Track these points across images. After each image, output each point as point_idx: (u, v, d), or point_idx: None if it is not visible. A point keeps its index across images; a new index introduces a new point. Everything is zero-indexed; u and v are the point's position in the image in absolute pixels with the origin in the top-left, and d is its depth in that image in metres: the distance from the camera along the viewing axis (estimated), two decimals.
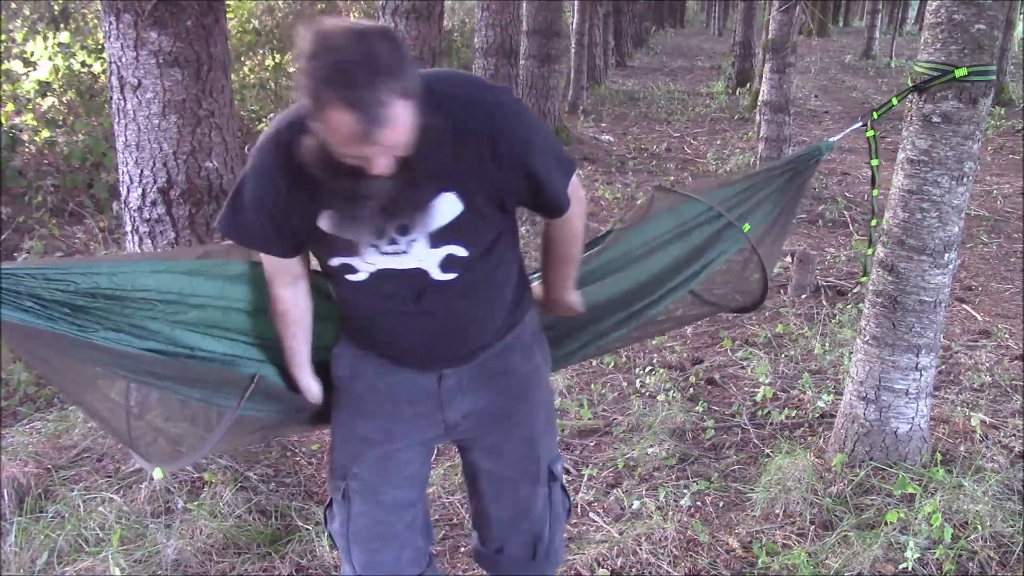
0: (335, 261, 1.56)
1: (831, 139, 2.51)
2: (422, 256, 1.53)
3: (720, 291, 2.33)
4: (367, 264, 1.54)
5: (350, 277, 1.57)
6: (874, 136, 2.60)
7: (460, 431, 1.76)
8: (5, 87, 6.49)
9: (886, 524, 2.55)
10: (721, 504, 2.81)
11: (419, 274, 1.55)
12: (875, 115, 2.57)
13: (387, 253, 1.52)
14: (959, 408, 3.32)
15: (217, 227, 1.64)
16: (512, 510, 1.85)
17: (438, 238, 1.52)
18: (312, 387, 1.77)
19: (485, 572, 2.10)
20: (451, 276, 1.56)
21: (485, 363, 1.70)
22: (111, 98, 2.80)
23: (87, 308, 1.55)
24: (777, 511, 2.71)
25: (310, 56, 1.26)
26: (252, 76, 9.32)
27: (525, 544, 1.88)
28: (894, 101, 2.60)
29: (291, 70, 9.63)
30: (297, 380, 1.76)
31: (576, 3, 11.42)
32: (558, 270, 1.80)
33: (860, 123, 2.60)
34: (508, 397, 1.75)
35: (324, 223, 1.51)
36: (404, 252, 1.53)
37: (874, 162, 2.66)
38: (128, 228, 2.91)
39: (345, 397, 1.77)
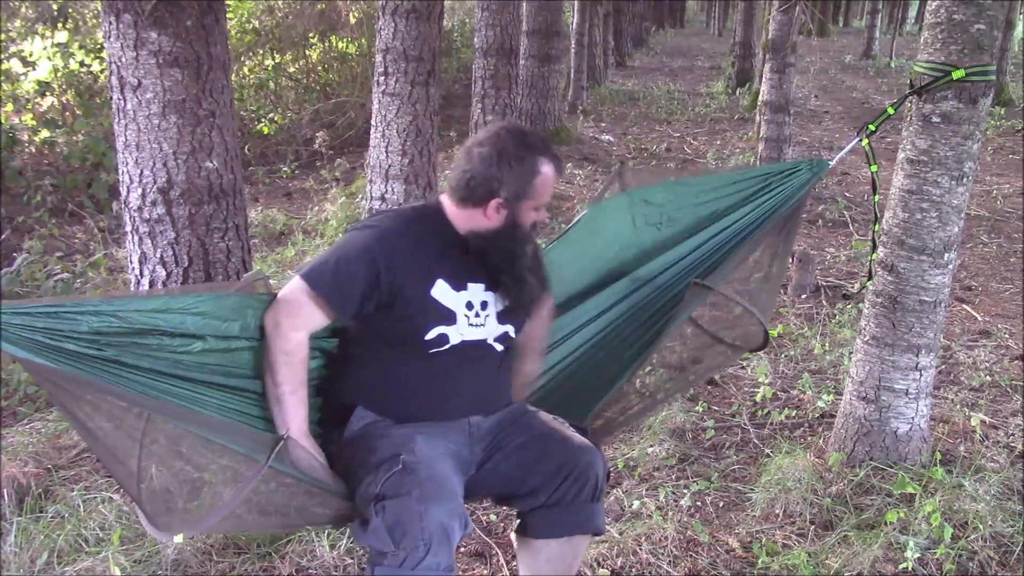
0: (432, 332, 1.79)
1: (829, 161, 2.48)
2: (490, 330, 1.86)
3: (741, 288, 2.35)
4: (459, 334, 1.81)
5: (437, 349, 1.81)
6: (868, 145, 2.58)
7: (486, 442, 1.92)
8: (5, 87, 6.49)
9: (886, 524, 2.55)
10: (721, 504, 2.81)
11: (486, 346, 1.87)
12: (871, 127, 2.56)
13: (472, 325, 1.82)
14: (959, 408, 3.32)
15: (307, 281, 1.76)
16: (561, 455, 1.88)
17: (503, 316, 1.87)
18: (317, 455, 1.82)
19: (538, 539, 1.96)
20: (501, 348, 1.91)
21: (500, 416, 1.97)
22: (111, 98, 2.80)
23: (98, 355, 1.60)
24: (777, 511, 2.71)
25: (500, 142, 1.73)
26: (252, 76, 9.32)
27: (582, 483, 1.88)
28: (890, 111, 2.59)
29: (291, 70, 9.63)
30: (299, 439, 1.78)
31: (576, 3, 11.41)
32: None
33: (856, 139, 2.57)
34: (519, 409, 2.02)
35: (438, 292, 1.78)
36: (482, 325, 1.84)
37: (873, 168, 2.65)
38: (128, 228, 2.91)
39: (368, 434, 1.84)
